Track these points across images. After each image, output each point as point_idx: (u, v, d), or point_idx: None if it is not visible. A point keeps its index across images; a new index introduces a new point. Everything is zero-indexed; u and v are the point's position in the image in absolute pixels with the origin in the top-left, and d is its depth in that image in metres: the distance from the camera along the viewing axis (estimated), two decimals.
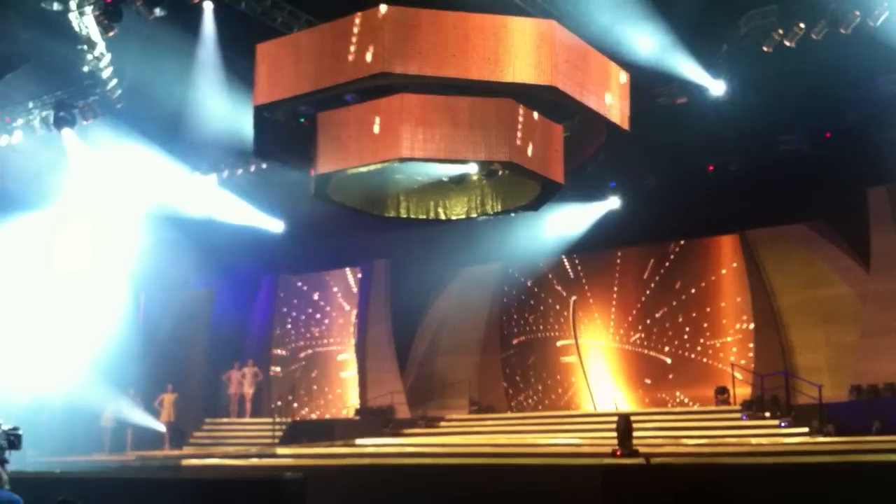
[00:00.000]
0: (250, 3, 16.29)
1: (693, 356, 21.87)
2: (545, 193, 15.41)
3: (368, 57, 12.77)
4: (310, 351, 26.05)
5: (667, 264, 22.65)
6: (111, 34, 16.08)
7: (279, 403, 23.60)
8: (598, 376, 22.80)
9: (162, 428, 22.30)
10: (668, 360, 22.18)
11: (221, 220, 23.12)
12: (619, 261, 23.39)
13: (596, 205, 22.15)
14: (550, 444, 18.08)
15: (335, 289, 26.24)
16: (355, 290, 25.60)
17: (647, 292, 22.73)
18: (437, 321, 24.92)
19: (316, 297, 26.40)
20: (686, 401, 21.62)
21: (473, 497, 10.61)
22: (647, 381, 22.32)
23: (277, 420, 22.69)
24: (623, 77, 14.76)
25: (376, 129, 13.48)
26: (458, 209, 16.32)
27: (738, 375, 19.69)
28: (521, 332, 24.31)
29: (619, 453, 13.71)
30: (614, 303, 23.23)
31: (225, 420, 24.14)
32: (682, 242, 22.30)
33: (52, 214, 21.25)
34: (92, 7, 15.70)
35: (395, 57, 12.71)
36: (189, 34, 17.18)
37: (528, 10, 14.84)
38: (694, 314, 22.00)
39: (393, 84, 13.29)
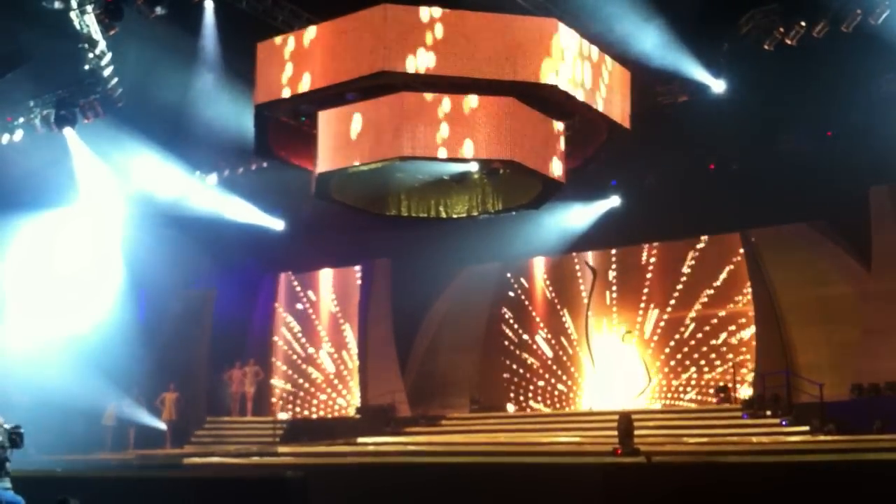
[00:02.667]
0: (251, 2, 16.28)
1: (693, 354, 21.86)
2: (546, 192, 15.38)
3: (370, 56, 12.78)
4: (311, 350, 26.03)
5: (667, 263, 22.64)
6: (112, 33, 16.09)
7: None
8: (601, 370, 22.81)
9: (163, 427, 22.33)
10: (668, 358, 22.17)
11: (222, 218, 23.10)
12: (619, 259, 23.37)
13: (597, 203, 22.13)
14: (552, 442, 18.08)
15: (336, 287, 26.22)
16: (357, 288, 25.58)
17: (647, 291, 22.72)
18: (439, 320, 24.89)
19: (317, 295, 26.38)
20: (686, 399, 21.64)
21: (474, 496, 10.64)
22: (646, 379, 22.30)
23: (278, 419, 22.69)
24: (625, 75, 14.76)
25: (377, 128, 13.46)
26: (459, 208, 16.29)
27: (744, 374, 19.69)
28: (522, 330, 24.30)
29: (619, 452, 13.71)
30: (607, 302, 23.25)
31: (226, 419, 24.15)
32: (683, 241, 22.27)
33: (52, 214, 21.23)
34: (93, 6, 15.70)
35: (397, 56, 12.71)
36: (190, 33, 17.17)
37: (530, 8, 14.84)
38: (694, 313, 21.98)
39: (394, 83, 13.28)
